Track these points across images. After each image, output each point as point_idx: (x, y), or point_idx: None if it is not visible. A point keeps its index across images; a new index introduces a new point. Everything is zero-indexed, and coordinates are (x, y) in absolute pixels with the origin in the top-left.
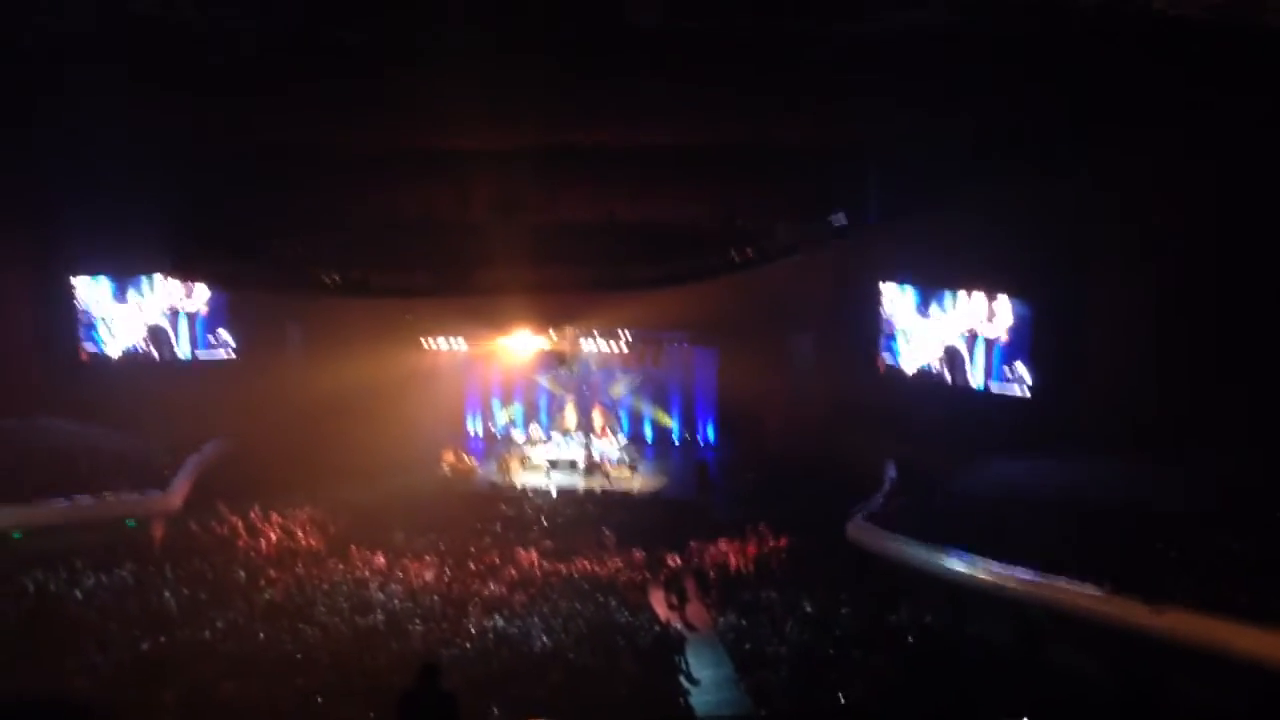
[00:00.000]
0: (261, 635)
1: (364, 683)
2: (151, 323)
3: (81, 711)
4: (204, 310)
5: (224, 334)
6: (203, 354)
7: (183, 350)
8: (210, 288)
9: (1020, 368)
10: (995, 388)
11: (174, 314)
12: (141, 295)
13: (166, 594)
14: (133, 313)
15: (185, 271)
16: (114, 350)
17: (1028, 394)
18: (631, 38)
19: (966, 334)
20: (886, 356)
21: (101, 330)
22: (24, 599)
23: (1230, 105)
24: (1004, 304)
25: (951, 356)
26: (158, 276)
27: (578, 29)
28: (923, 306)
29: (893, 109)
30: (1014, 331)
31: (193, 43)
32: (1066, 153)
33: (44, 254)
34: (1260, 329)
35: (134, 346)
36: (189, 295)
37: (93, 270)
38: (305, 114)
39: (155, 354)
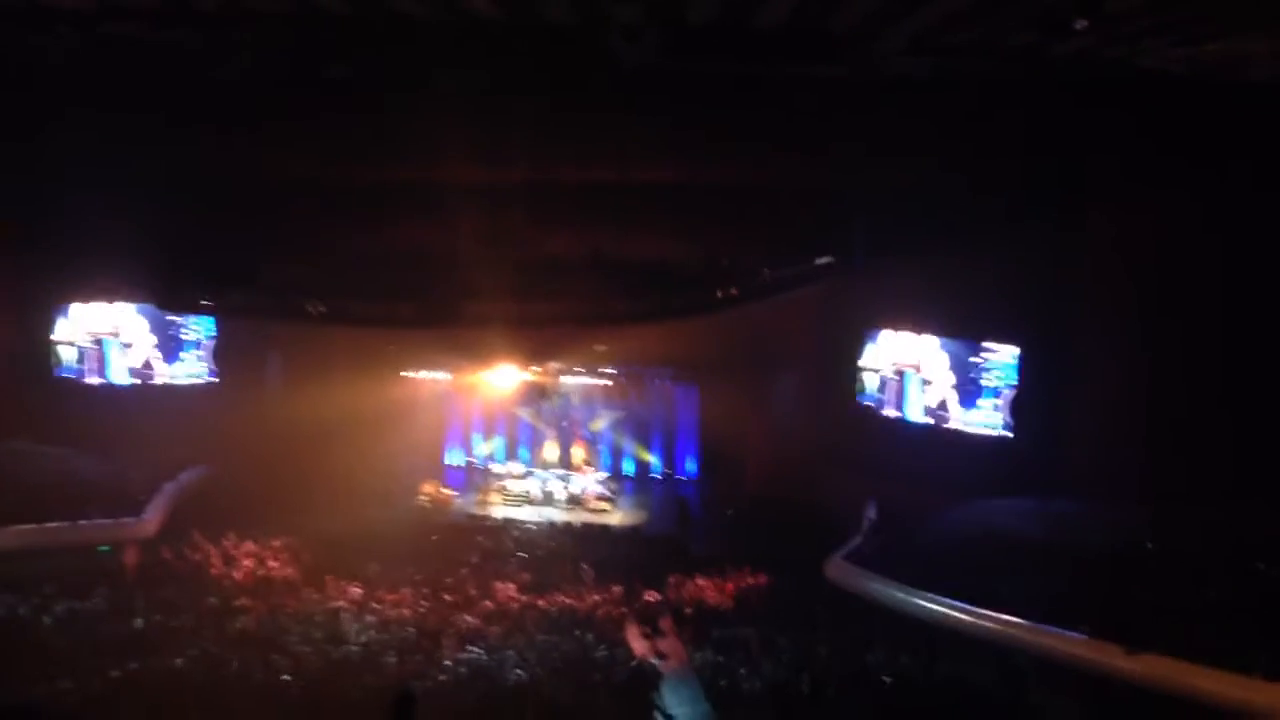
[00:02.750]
0: (234, 664)
1: (337, 714)
2: (145, 346)
3: None
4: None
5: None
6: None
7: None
8: (193, 315)
9: (1004, 411)
10: (978, 430)
11: (172, 338)
12: (129, 319)
13: (138, 621)
14: (127, 335)
15: (169, 299)
16: (99, 375)
17: (1010, 436)
18: (620, 77)
19: (949, 376)
20: (868, 397)
21: (85, 355)
22: None
23: (1210, 158)
24: (989, 347)
25: (933, 398)
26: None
27: (566, 68)
28: (907, 348)
29: (879, 153)
30: (998, 375)
31: (182, 72)
32: (1052, 200)
33: (22, 278)
34: (1243, 380)
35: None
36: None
37: (75, 296)
38: (293, 146)
39: (147, 377)
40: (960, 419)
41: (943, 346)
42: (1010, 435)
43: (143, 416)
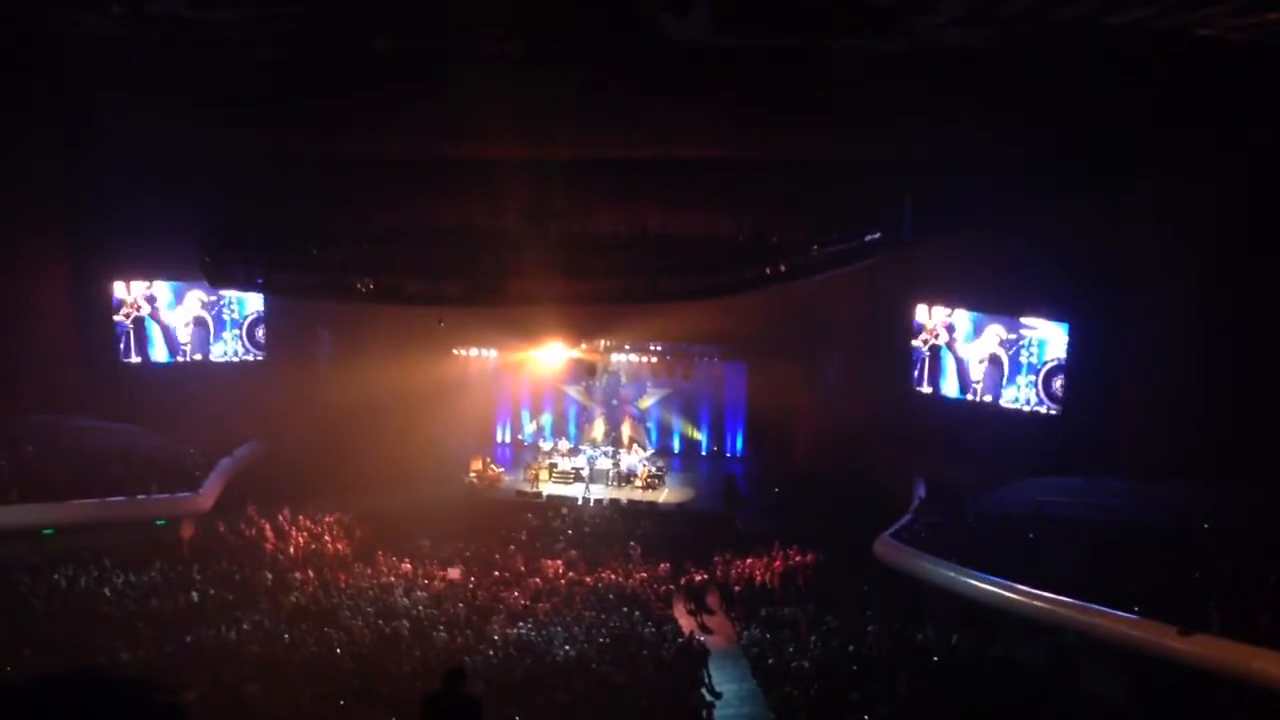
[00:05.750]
0: (287, 637)
1: (387, 688)
2: (198, 324)
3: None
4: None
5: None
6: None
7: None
8: (245, 293)
9: (1055, 388)
10: (1027, 408)
11: (218, 316)
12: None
13: (194, 594)
14: (181, 314)
15: (221, 277)
16: (157, 353)
17: (1060, 415)
18: (668, 53)
19: (1000, 354)
20: (917, 374)
21: (150, 332)
22: (54, 595)
23: (1266, 128)
24: (1039, 325)
25: (984, 376)
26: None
27: (615, 43)
28: (955, 326)
29: (929, 127)
30: (1049, 353)
31: (231, 52)
32: (1105, 175)
33: (81, 258)
34: None
35: (177, 348)
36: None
37: (127, 275)
38: (339, 125)
39: (201, 355)
40: (1010, 396)
41: (991, 322)
42: (1058, 412)
43: (197, 393)
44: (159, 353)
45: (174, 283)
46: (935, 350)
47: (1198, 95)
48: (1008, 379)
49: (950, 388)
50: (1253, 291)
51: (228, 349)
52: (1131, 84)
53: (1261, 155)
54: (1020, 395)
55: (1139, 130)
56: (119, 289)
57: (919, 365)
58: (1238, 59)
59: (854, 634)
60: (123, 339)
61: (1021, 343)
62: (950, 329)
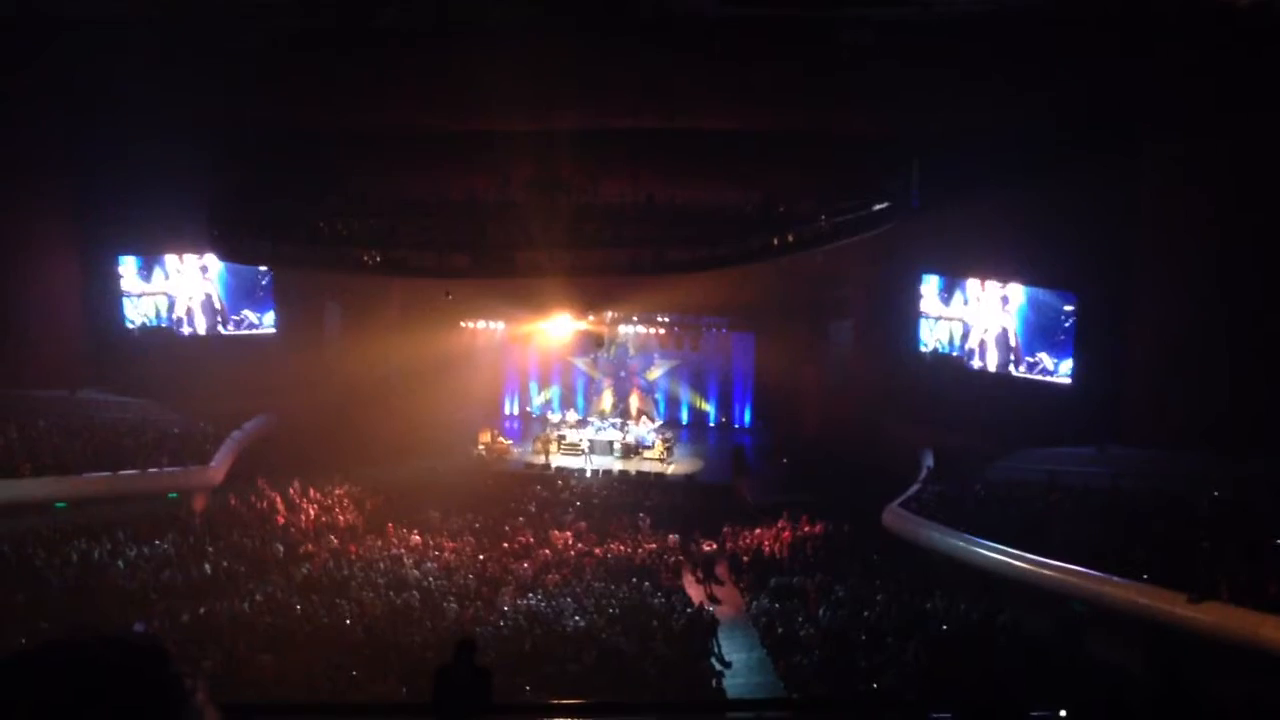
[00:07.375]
0: (299, 609)
1: (399, 658)
2: (208, 298)
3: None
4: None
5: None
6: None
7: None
8: (253, 266)
9: (1064, 358)
10: (1037, 377)
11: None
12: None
13: (206, 566)
14: (190, 287)
15: (228, 250)
16: (164, 325)
17: (1070, 384)
18: (674, 23)
19: (1009, 323)
20: (926, 344)
21: (151, 304)
22: (68, 568)
23: (1272, 97)
24: (1050, 295)
25: (994, 345)
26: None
27: (620, 14)
28: (966, 295)
29: (936, 96)
30: (1058, 322)
31: (235, 25)
32: (1113, 144)
33: (90, 232)
34: None
35: (188, 319)
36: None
37: (137, 248)
38: (347, 98)
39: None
40: (1018, 366)
41: (1001, 293)
42: (1069, 382)
43: (207, 367)
44: (200, 325)
45: (183, 256)
46: (943, 320)
47: (1204, 64)
48: (1020, 349)
49: (958, 356)
50: (1263, 262)
51: (250, 321)
52: (1137, 52)
53: (1270, 125)
54: (1038, 366)
55: (1148, 98)
56: (128, 262)
57: (927, 334)
58: (1246, 24)
59: (862, 603)
60: (134, 312)
61: (1040, 312)
62: (959, 297)
